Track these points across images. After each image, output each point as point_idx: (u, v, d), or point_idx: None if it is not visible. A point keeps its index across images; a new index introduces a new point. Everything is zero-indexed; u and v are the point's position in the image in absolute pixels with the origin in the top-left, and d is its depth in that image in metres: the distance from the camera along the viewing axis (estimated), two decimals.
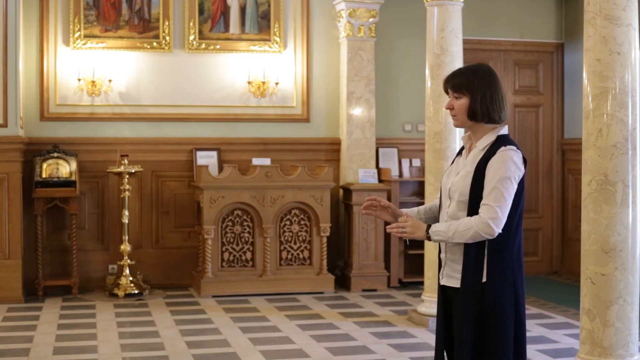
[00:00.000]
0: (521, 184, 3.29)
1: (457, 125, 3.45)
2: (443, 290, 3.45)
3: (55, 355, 5.95)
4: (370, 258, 8.54)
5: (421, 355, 5.96)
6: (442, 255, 3.44)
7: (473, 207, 3.26)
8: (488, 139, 3.34)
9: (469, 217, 3.24)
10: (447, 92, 3.43)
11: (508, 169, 3.22)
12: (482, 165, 3.28)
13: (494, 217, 3.18)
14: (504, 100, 3.37)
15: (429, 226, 3.29)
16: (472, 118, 3.35)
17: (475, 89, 3.31)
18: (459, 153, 3.52)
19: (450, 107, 3.39)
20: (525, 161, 3.31)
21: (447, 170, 3.51)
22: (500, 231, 3.20)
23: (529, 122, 9.65)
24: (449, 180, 3.42)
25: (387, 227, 3.36)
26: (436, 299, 3.60)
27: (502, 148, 3.27)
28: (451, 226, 3.24)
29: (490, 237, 3.21)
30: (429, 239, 3.28)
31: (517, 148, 3.29)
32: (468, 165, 3.36)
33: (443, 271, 3.43)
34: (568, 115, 9.57)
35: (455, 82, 3.37)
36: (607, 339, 4.71)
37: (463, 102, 3.35)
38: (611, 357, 4.71)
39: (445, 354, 3.46)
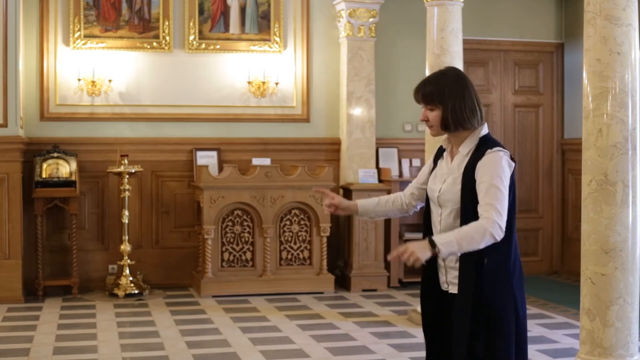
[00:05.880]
0: (512, 189, 3.20)
1: (434, 135, 3.36)
2: (444, 297, 3.35)
3: (55, 355, 5.95)
4: (370, 258, 8.53)
5: (421, 355, 5.93)
6: (440, 261, 3.32)
7: (466, 213, 3.18)
8: (470, 144, 3.26)
9: (474, 222, 3.10)
10: (418, 103, 3.33)
11: (500, 169, 3.15)
12: (470, 170, 3.20)
13: (500, 215, 3.08)
14: (477, 104, 3.27)
15: (430, 240, 3.07)
16: (445, 129, 3.27)
17: (446, 99, 3.22)
18: (440, 154, 3.42)
19: (425, 119, 3.31)
20: (514, 161, 3.23)
21: (432, 174, 3.41)
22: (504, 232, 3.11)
23: (529, 122, 9.64)
24: (436, 187, 3.33)
25: (388, 256, 3.19)
26: None
27: (489, 150, 3.19)
28: (460, 233, 3.08)
29: (499, 238, 3.09)
30: (436, 254, 3.07)
31: (503, 147, 3.23)
32: (454, 171, 3.28)
33: (445, 278, 3.33)
34: (568, 115, 9.56)
35: (426, 92, 3.27)
36: (607, 339, 4.71)
37: (437, 113, 3.26)
38: (611, 357, 4.71)
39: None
